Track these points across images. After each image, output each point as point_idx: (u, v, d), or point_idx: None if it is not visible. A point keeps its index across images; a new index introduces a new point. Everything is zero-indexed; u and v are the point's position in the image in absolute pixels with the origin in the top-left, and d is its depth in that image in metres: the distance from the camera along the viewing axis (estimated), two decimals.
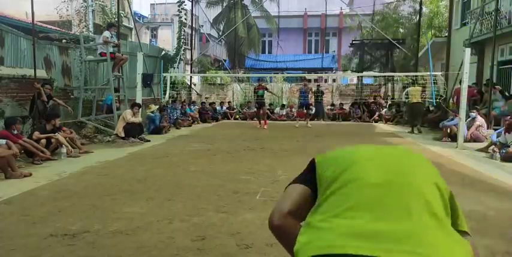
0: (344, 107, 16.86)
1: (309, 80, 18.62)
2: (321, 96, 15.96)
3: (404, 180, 1.24)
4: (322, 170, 1.37)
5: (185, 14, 18.27)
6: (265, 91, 13.27)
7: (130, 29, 21.41)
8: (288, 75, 21.78)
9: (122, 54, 10.31)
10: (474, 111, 9.40)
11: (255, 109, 14.24)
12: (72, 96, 10.37)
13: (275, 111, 16.72)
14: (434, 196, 1.24)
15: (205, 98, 18.17)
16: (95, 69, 11.24)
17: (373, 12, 23.23)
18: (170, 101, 12.60)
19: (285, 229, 1.35)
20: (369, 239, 1.09)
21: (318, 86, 16.99)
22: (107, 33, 9.58)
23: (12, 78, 8.32)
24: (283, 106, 17.05)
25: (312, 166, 1.48)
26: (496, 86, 10.59)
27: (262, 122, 13.01)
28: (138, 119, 9.06)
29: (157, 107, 11.59)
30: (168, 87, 14.19)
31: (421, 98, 11.28)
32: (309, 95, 13.75)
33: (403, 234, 1.10)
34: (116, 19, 13.94)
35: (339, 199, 1.23)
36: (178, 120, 12.70)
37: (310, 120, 16.11)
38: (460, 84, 9.07)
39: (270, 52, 32.39)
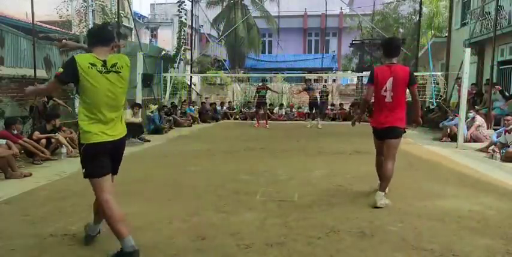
0: (344, 107, 16.84)
1: (316, 80, 18.70)
2: (325, 96, 15.93)
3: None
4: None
5: (185, 14, 18.28)
6: (267, 91, 13.37)
7: (131, 29, 21.38)
8: (288, 75, 21.76)
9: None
10: (472, 111, 9.41)
11: (255, 109, 14.22)
12: (72, 96, 10.36)
13: (275, 111, 16.70)
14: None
15: (205, 98, 18.17)
16: None
17: (373, 12, 23.21)
18: (156, 109, 11.41)
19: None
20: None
21: (324, 86, 16.95)
22: None
23: (12, 78, 8.32)
24: (281, 105, 17.03)
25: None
26: (496, 86, 10.58)
27: (262, 121, 13.10)
28: (138, 119, 9.06)
29: (157, 107, 11.58)
30: (168, 88, 14.21)
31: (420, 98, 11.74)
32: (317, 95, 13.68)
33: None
34: (116, 19, 13.93)
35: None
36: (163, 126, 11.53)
37: (312, 119, 16.15)
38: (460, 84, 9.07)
39: (270, 52, 32.37)
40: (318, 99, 13.72)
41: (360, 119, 4.72)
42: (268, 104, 17.05)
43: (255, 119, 14.00)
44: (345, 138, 10.14)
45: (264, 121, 13.20)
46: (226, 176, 5.40)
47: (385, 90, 4.02)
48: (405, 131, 4.16)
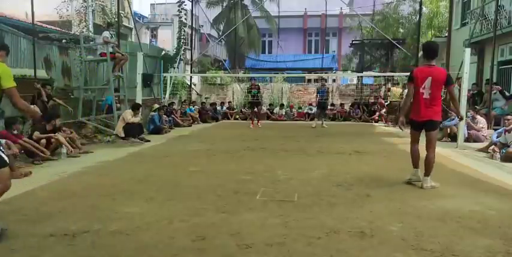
0: (344, 107, 16.84)
1: (316, 80, 18.57)
2: (326, 96, 15.94)
3: None
4: None
5: (185, 14, 18.28)
6: (259, 90, 13.35)
7: (131, 29, 21.40)
8: (288, 75, 21.77)
9: (122, 54, 10.27)
10: (470, 111, 9.43)
11: (249, 109, 14.15)
12: (72, 96, 10.37)
13: (275, 111, 16.71)
14: None
15: (205, 98, 18.18)
16: (95, 69, 11.23)
17: (373, 12, 23.22)
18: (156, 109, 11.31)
19: None
20: None
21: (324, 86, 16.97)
22: (106, 34, 9.57)
23: None
24: (282, 106, 17.03)
25: None
26: (496, 86, 10.59)
27: (255, 121, 13.14)
28: (137, 118, 9.03)
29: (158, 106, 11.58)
30: (168, 88, 14.21)
31: (401, 98, 13.40)
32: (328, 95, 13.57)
33: None
34: (116, 19, 13.94)
35: None
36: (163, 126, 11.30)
37: (311, 120, 16.13)
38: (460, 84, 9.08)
39: (270, 52, 32.38)
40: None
41: (406, 120, 5.22)
42: (268, 104, 17.11)
43: (249, 119, 13.96)
44: (345, 138, 10.14)
45: (257, 120, 13.26)
46: (226, 176, 5.40)
47: (424, 88, 4.67)
48: (441, 123, 4.97)
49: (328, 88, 14.14)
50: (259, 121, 13.37)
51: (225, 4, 26.09)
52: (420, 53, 16.51)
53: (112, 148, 8.19)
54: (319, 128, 12.56)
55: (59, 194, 4.43)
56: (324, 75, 24.29)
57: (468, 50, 9.01)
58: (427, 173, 4.80)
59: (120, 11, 14.79)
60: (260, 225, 3.45)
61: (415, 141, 5.06)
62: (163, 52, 17.08)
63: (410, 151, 5.06)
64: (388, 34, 19.05)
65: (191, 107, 14.99)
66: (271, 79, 19.54)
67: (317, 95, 13.54)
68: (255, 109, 13.46)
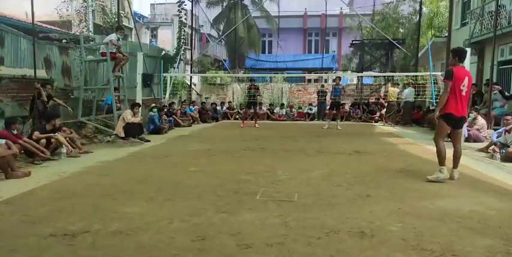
0: (344, 107, 16.83)
1: (316, 80, 18.32)
2: (324, 97, 15.94)
3: None
4: None
5: (185, 14, 18.29)
6: (256, 91, 13.32)
7: (131, 29, 21.41)
8: (288, 75, 21.79)
9: (124, 55, 10.23)
10: (472, 112, 9.42)
11: (246, 108, 14.05)
12: (72, 96, 10.37)
13: (275, 111, 16.71)
14: None
15: (206, 98, 18.16)
16: (95, 69, 11.23)
17: (373, 12, 23.23)
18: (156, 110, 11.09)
19: None
20: None
21: (322, 86, 16.98)
22: (113, 36, 9.54)
23: (12, 78, 8.31)
24: (282, 105, 17.03)
25: None
26: (496, 86, 10.58)
27: (249, 121, 13.15)
28: (138, 118, 9.04)
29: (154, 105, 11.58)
30: (168, 88, 14.21)
31: (397, 97, 14.06)
32: (342, 93, 12.86)
33: None
34: (116, 19, 13.95)
35: None
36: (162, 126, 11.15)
37: (310, 120, 16.14)
38: None
39: (270, 52, 32.38)
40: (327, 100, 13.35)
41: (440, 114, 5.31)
42: (268, 104, 17.13)
43: (243, 118, 13.91)
44: (345, 138, 10.14)
45: (254, 120, 13.24)
46: (226, 176, 5.40)
47: (463, 86, 5.13)
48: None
49: (343, 87, 13.44)
50: (256, 121, 13.31)
51: (225, 4, 26.09)
52: (420, 53, 16.56)
53: (112, 148, 8.19)
54: (319, 129, 12.54)
55: (59, 194, 4.43)
56: (324, 76, 24.38)
57: (468, 50, 9.01)
58: (455, 166, 5.28)
59: (120, 11, 14.79)
60: (260, 225, 3.45)
61: (442, 137, 5.42)
62: (163, 52, 17.09)
63: (440, 149, 5.30)
64: (388, 34, 19.07)
65: (191, 107, 14.99)
66: (271, 79, 19.55)
67: (331, 94, 13.16)
68: (251, 109, 13.48)
